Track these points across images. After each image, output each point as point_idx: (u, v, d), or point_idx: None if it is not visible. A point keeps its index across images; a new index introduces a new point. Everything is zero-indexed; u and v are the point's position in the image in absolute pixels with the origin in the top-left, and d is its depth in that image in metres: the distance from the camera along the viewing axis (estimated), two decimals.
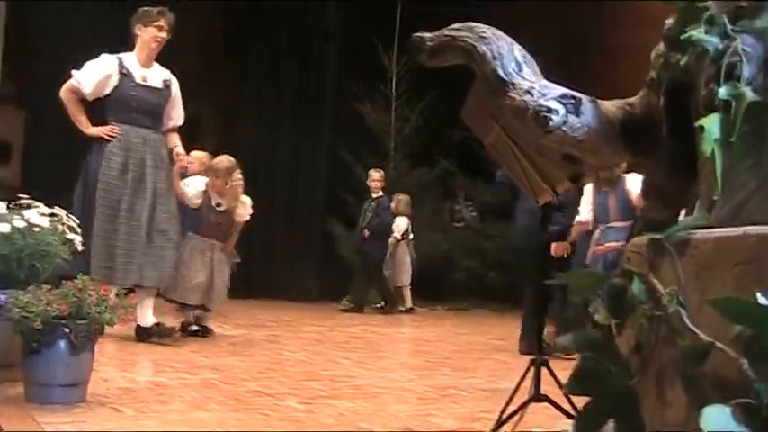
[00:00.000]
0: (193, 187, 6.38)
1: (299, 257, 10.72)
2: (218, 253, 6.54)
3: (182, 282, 6.06)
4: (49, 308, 3.50)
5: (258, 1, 11.32)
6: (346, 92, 11.40)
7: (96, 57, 5.64)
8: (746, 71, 1.22)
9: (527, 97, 1.43)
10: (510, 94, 1.46)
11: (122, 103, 5.57)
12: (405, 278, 10.31)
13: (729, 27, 1.23)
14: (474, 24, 1.57)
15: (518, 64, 1.50)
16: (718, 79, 1.21)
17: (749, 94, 1.19)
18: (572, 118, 1.42)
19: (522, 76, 1.47)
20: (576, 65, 9.83)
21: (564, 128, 1.42)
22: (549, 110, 1.40)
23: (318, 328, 7.96)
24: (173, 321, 6.06)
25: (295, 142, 11.76)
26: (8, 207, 4.11)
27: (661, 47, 1.37)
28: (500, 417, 3.31)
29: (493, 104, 3.44)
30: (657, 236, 1.17)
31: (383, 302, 10.05)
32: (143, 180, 5.53)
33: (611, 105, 1.50)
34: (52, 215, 4.22)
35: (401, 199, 10.32)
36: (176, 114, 5.90)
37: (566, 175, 3.19)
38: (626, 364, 1.14)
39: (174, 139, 5.88)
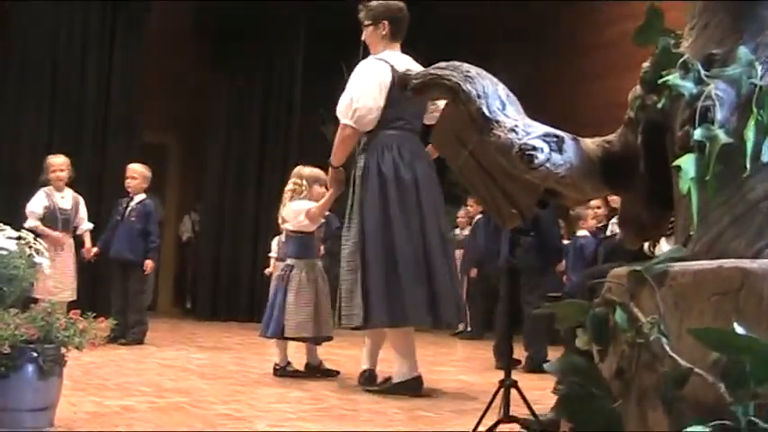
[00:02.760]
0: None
1: (265, 280, 10.70)
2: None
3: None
4: (17, 332, 3.48)
5: (226, 25, 11.38)
6: (312, 115, 11.47)
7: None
8: (720, 114, 1.29)
9: (512, 135, 1.49)
10: (495, 131, 1.52)
11: None
12: None
13: (703, 73, 1.31)
14: (459, 63, 1.63)
15: (502, 102, 1.56)
16: (694, 121, 1.29)
17: (722, 137, 1.26)
18: (555, 155, 1.48)
19: (506, 115, 1.53)
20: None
21: (547, 165, 1.49)
22: (534, 148, 1.47)
23: None
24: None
25: (262, 164, 11.80)
26: None
27: (638, 89, 1.44)
28: None
29: (461, 130, 3.53)
30: (638, 268, 1.23)
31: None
32: None
33: (590, 143, 1.57)
34: (19, 238, 4.20)
35: None
36: None
37: (534, 200, 3.25)
38: (609, 389, 1.20)
39: None
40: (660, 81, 1.31)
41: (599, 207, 7.09)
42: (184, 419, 3.93)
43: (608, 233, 6.53)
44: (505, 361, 3.83)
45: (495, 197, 3.60)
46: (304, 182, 6.01)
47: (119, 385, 4.88)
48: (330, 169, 5.41)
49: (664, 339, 1.14)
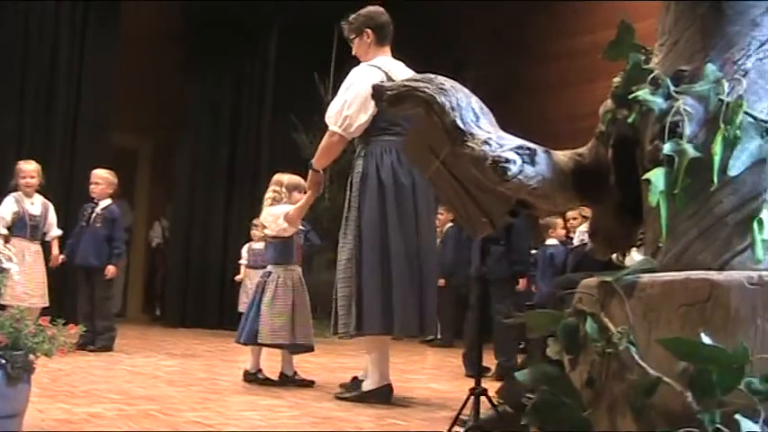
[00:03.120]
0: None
1: (234, 287, 10.65)
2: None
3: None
4: None
5: (198, 30, 11.36)
6: (283, 121, 11.47)
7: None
8: (688, 129, 1.33)
9: (485, 147, 1.52)
10: (469, 143, 1.55)
11: None
12: None
13: (672, 89, 1.34)
14: (433, 76, 1.65)
15: (476, 114, 1.58)
16: (663, 136, 1.32)
17: (691, 151, 1.30)
18: (527, 167, 1.51)
19: (479, 127, 1.56)
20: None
21: (520, 177, 1.51)
22: (507, 160, 1.49)
23: None
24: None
25: (231, 171, 11.77)
26: None
27: (609, 103, 1.47)
28: None
29: (434, 140, 3.55)
30: (608, 278, 1.26)
31: None
32: None
33: (562, 155, 1.60)
34: None
35: None
36: None
37: (505, 210, 3.29)
38: (579, 397, 1.22)
39: None
40: (631, 96, 1.34)
41: (575, 218, 7.15)
42: (153, 427, 3.91)
43: (576, 242, 6.60)
44: (475, 369, 3.86)
45: (466, 207, 3.64)
46: (284, 189, 6.01)
47: (87, 392, 4.84)
48: (310, 172, 5.43)
49: (633, 349, 1.17)
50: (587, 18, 10.49)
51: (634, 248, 5.52)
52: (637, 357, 1.15)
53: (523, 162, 1.51)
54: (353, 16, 5.43)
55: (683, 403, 1.10)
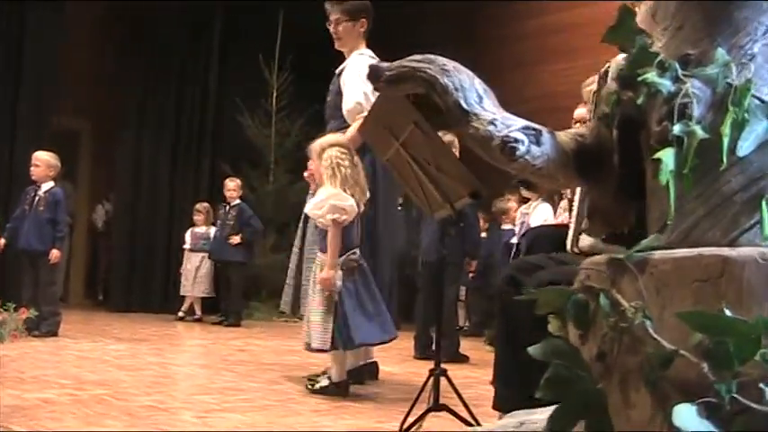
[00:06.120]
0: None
1: (178, 271, 10.55)
2: None
3: None
4: None
5: (143, 6, 11.16)
6: (228, 104, 11.36)
7: None
8: (696, 111, 1.37)
9: (491, 128, 1.54)
10: (473, 124, 1.56)
11: None
12: None
13: (680, 72, 1.38)
14: (434, 57, 1.66)
15: (479, 95, 1.60)
16: (671, 117, 1.36)
17: (700, 132, 1.34)
18: (533, 147, 1.54)
19: (483, 108, 1.57)
20: None
21: (527, 157, 1.54)
22: (516, 140, 1.52)
23: (201, 341, 7.91)
24: None
25: (175, 154, 11.62)
26: None
27: (613, 85, 1.51)
28: (401, 427, 3.41)
29: (393, 122, 3.58)
30: (618, 256, 1.30)
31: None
32: None
33: (564, 135, 1.64)
34: None
35: None
36: None
37: (467, 191, 3.33)
38: (590, 371, 1.27)
39: None
40: (639, 79, 1.38)
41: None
42: (108, 411, 3.87)
43: (518, 222, 6.70)
44: (434, 351, 3.89)
45: (424, 187, 3.68)
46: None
47: (36, 378, 4.76)
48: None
49: (648, 323, 1.21)
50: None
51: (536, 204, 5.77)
52: (652, 331, 1.19)
53: (530, 142, 1.54)
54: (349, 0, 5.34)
55: (697, 374, 1.15)
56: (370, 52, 5.31)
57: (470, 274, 8.31)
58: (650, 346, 1.19)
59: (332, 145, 4.74)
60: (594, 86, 2.03)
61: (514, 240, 6.84)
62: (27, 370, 5.03)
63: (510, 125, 1.54)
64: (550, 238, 3.26)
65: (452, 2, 11.21)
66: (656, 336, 1.18)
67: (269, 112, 11.44)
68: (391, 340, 4.88)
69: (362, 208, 4.76)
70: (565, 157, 1.58)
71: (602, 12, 9.93)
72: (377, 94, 5.01)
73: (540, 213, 6.30)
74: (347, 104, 5.16)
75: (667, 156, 1.32)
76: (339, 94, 5.23)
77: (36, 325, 6.79)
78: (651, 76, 1.37)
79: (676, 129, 1.35)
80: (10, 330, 3.65)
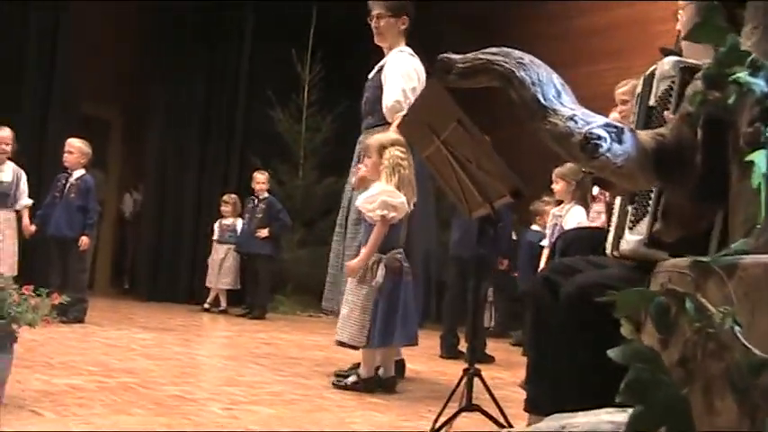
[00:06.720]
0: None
1: (205, 263, 10.55)
2: None
3: None
4: None
5: (172, 3, 11.19)
6: (259, 98, 11.35)
7: None
8: None
9: (570, 123, 1.49)
10: (551, 119, 1.52)
11: None
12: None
13: None
14: (510, 50, 1.62)
15: (557, 90, 1.56)
16: (764, 119, 1.31)
17: None
18: (615, 146, 1.50)
19: (561, 103, 1.53)
20: None
21: (608, 154, 1.50)
22: (599, 137, 1.47)
23: (227, 333, 7.91)
24: None
25: (205, 147, 11.64)
26: None
27: (698, 84, 1.46)
28: (433, 426, 3.38)
29: (435, 119, 3.54)
30: (704, 259, 1.25)
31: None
32: None
33: (644, 135, 1.59)
34: None
35: None
36: None
37: (508, 190, 3.29)
38: (671, 377, 1.22)
39: None
40: (731, 78, 1.33)
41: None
42: (136, 400, 3.87)
43: (550, 225, 6.63)
44: (467, 350, 3.84)
45: (462, 186, 3.64)
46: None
47: (64, 364, 4.77)
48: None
49: (738, 329, 1.16)
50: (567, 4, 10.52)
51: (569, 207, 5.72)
52: (741, 338, 1.15)
53: (611, 140, 1.49)
54: None
55: None
56: (409, 50, 5.30)
57: (503, 270, 8.18)
58: (738, 353, 1.14)
59: (393, 143, 4.73)
60: (627, 87, 1.98)
61: (544, 243, 6.76)
62: (55, 356, 5.04)
63: (591, 122, 1.49)
64: (587, 240, 3.21)
65: (482, 2, 11.12)
66: (745, 342, 1.13)
67: (300, 106, 11.42)
68: (412, 345, 4.89)
69: (412, 208, 4.74)
70: (644, 156, 1.53)
71: (638, 13, 9.85)
72: (417, 92, 5.03)
73: (573, 216, 6.25)
74: (387, 101, 5.15)
75: (760, 158, 1.27)
76: (380, 88, 5.20)
77: (63, 311, 6.80)
78: (743, 75, 1.32)
79: None
80: (42, 315, 3.63)
